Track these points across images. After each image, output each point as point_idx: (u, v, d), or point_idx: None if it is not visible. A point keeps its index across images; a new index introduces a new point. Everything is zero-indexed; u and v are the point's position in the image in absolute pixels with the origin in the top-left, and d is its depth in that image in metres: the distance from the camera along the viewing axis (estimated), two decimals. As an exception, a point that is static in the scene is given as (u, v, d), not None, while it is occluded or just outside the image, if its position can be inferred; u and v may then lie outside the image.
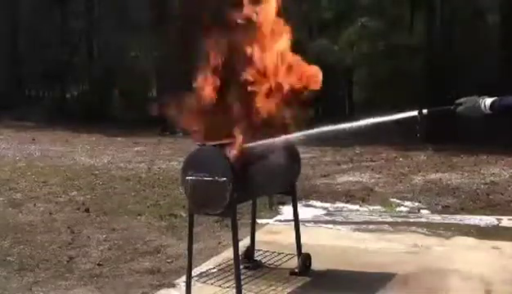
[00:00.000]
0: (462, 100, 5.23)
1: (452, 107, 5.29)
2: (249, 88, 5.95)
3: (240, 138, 5.72)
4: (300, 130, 6.01)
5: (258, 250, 6.89)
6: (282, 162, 6.19)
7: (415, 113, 5.53)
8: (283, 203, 8.96)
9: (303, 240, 6.66)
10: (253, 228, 6.87)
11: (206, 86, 5.93)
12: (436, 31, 18.32)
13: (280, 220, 8.68)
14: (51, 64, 21.34)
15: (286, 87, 5.98)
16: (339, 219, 8.95)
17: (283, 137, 5.94)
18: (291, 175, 6.50)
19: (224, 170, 5.60)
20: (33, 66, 22.21)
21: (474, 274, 6.46)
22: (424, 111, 5.50)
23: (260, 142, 5.85)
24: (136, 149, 16.06)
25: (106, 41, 21.86)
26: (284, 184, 6.50)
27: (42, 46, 21.94)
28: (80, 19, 23.37)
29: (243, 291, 5.81)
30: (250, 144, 5.79)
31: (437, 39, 18.22)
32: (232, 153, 5.66)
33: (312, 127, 5.97)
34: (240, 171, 5.62)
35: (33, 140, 17.40)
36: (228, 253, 6.58)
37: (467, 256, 7.06)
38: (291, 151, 6.35)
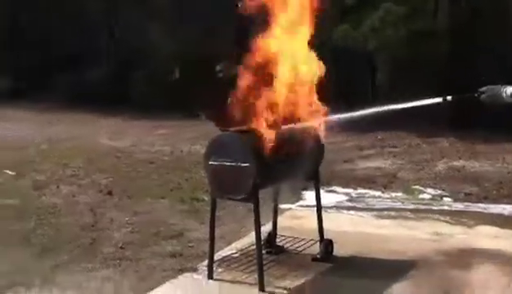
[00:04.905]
0: (485, 88, 5.23)
1: (476, 95, 5.29)
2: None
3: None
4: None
5: (281, 235, 6.89)
6: (305, 148, 6.18)
7: (440, 99, 5.54)
8: (305, 189, 8.94)
9: (324, 226, 6.65)
10: (276, 214, 6.86)
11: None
12: (460, 16, 18.15)
13: (303, 206, 8.68)
14: (75, 46, 21.38)
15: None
16: (360, 205, 8.94)
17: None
18: (314, 161, 6.48)
19: (247, 155, 5.61)
20: (56, 49, 22.26)
21: (497, 264, 6.43)
22: (448, 98, 5.50)
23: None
24: (159, 132, 16.08)
25: (128, 23, 21.83)
26: (307, 170, 6.49)
27: (65, 28, 21.96)
28: (101, 1, 23.36)
29: (265, 276, 5.83)
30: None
31: (462, 24, 18.06)
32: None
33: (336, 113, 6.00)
34: (262, 157, 5.62)
35: (56, 122, 17.47)
36: (250, 238, 6.58)
37: (490, 245, 7.02)
38: (314, 137, 6.33)
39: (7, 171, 10.61)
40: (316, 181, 6.59)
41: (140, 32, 20.83)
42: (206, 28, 18.57)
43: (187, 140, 14.60)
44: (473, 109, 5.71)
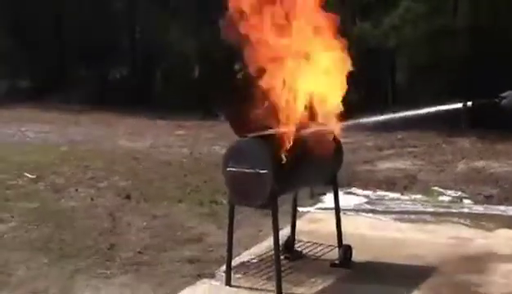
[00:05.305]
0: (506, 93, 5.19)
1: (497, 100, 5.25)
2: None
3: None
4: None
5: (299, 241, 6.86)
6: (324, 154, 6.14)
7: (460, 105, 5.50)
8: (324, 194, 8.90)
9: (343, 229, 6.61)
10: (294, 219, 6.85)
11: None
12: (480, 15, 17.99)
13: (321, 208, 8.64)
14: (94, 46, 21.42)
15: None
16: (380, 208, 8.88)
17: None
18: (333, 166, 6.44)
19: (265, 162, 5.58)
20: (76, 48, 22.35)
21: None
22: (469, 103, 5.46)
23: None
24: (177, 132, 16.07)
25: (149, 23, 21.88)
26: (326, 175, 6.46)
27: (84, 28, 22.01)
28: (123, 0, 23.42)
29: (283, 282, 5.80)
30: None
31: (482, 23, 17.89)
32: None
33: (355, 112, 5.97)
34: (281, 164, 5.59)
35: (76, 123, 17.49)
36: (268, 243, 6.56)
37: (511, 250, 6.94)
38: (333, 142, 6.28)
39: (27, 175, 10.63)
40: (334, 186, 6.54)
41: (160, 32, 20.85)
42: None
43: (206, 140, 14.61)
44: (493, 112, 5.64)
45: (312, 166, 6.03)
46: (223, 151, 6.12)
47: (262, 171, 5.57)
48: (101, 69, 22.37)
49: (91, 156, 12.52)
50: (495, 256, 6.77)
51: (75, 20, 22.49)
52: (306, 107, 5.97)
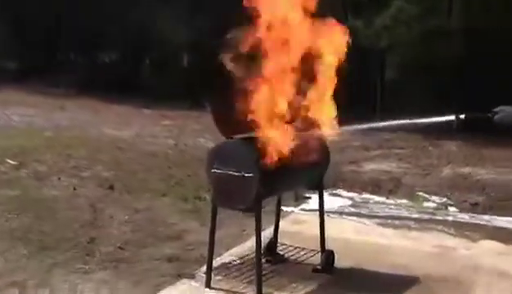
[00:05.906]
0: (499, 108, 5.17)
1: (489, 115, 5.22)
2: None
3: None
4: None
5: (282, 244, 6.79)
6: (311, 158, 6.06)
7: (453, 117, 5.47)
8: (309, 198, 8.82)
9: (326, 232, 6.54)
10: (277, 221, 6.78)
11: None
12: (475, 16, 17.91)
13: (305, 210, 8.58)
14: (84, 31, 21.29)
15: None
16: (364, 211, 8.82)
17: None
18: (319, 170, 6.37)
19: (251, 165, 5.50)
20: (66, 33, 22.23)
21: (501, 284, 6.31)
22: (462, 116, 5.43)
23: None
24: (164, 122, 15.97)
25: (140, 10, 21.74)
26: (312, 179, 6.38)
27: (75, 13, 21.85)
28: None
29: (264, 286, 5.73)
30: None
31: (477, 24, 17.80)
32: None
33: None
34: (267, 167, 5.50)
35: (63, 108, 17.32)
36: (251, 243, 6.46)
37: (494, 263, 6.88)
38: (320, 146, 6.20)
39: (9, 161, 10.49)
40: (320, 191, 6.46)
41: (152, 20, 20.72)
42: (219, 17, 18.46)
43: (192, 132, 14.52)
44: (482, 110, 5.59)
45: (299, 170, 5.94)
46: (209, 144, 6.05)
47: (247, 175, 5.49)
48: (91, 55, 22.26)
49: (75, 143, 12.35)
50: (477, 268, 6.70)
51: (66, 4, 22.28)
52: (294, 110, 5.88)
